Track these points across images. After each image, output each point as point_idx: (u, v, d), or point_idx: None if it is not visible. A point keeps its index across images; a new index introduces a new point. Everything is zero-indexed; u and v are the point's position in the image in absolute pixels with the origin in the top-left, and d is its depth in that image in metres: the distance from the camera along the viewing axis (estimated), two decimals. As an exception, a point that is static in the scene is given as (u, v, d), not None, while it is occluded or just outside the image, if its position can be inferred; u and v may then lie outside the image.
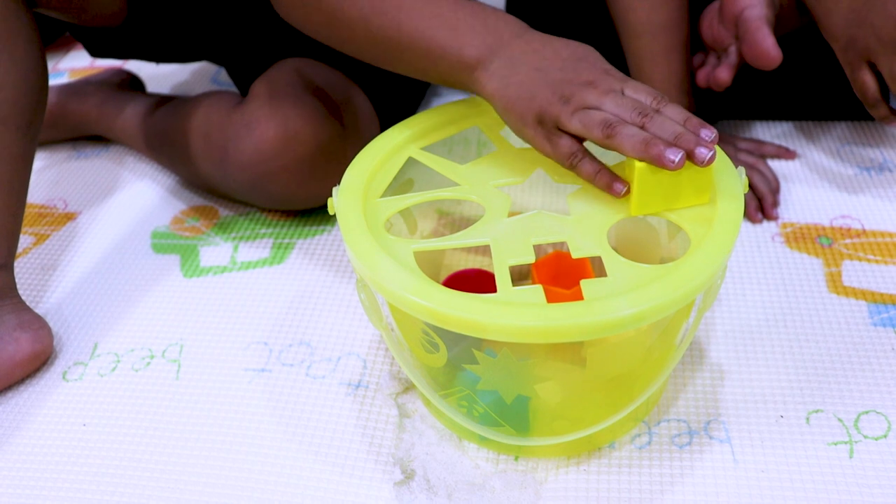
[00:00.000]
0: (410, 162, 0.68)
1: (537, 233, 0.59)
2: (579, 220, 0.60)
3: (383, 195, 0.64)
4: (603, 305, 0.52)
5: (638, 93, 0.59)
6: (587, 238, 0.59)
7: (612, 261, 0.57)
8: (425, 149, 0.68)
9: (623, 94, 0.59)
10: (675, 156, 0.55)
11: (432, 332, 0.58)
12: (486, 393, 0.61)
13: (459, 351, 0.60)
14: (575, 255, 0.57)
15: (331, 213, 0.62)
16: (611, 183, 0.60)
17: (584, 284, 0.54)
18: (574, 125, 0.58)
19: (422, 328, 0.59)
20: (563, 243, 0.59)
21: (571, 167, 0.60)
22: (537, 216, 0.61)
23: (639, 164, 0.57)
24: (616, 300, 0.52)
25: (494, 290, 0.55)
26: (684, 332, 0.60)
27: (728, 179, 0.61)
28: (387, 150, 0.67)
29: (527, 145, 0.67)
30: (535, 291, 0.54)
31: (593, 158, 0.60)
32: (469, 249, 0.82)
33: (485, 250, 0.82)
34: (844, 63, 0.81)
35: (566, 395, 0.61)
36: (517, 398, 0.60)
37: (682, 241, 0.69)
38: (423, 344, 0.60)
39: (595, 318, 0.51)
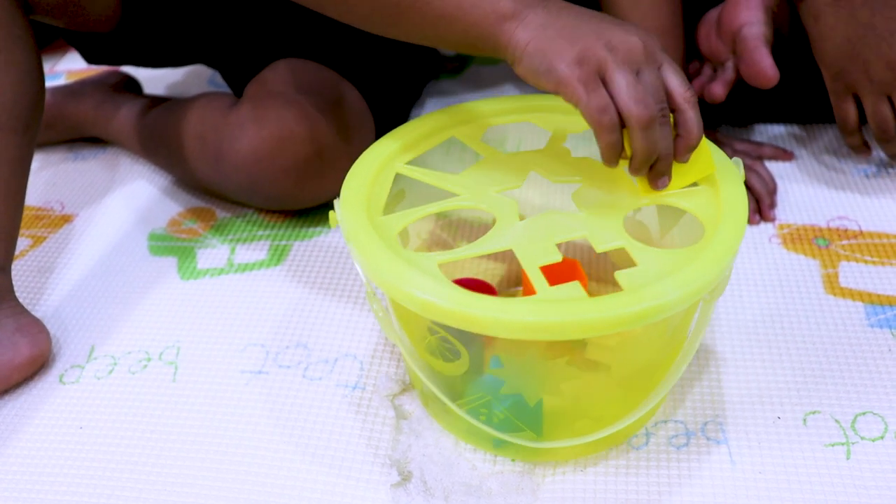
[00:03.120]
0: (400, 175, 0.67)
1: (556, 232, 0.59)
2: (592, 215, 0.61)
3: (384, 211, 0.63)
4: (649, 292, 0.53)
5: (672, 74, 0.58)
6: (605, 231, 0.59)
7: (637, 249, 0.57)
8: (411, 163, 0.67)
9: (661, 67, 0.58)
10: (662, 185, 0.61)
11: (454, 339, 0.58)
12: (507, 397, 0.60)
13: (476, 356, 0.60)
14: (599, 249, 0.58)
15: (332, 226, 0.61)
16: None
17: (620, 276, 0.55)
18: (618, 80, 0.56)
19: (441, 336, 0.58)
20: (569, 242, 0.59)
21: (598, 124, 0.56)
22: (549, 216, 0.61)
23: None
24: (659, 285, 0.53)
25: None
26: (693, 324, 0.60)
27: (723, 166, 0.63)
28: (377, 166, 0.65)
29: (514, 150, 0.68)
30: (573, 288, 0.54)
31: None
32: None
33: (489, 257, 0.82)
34: (831, 90, 0.84)
35: (590, 392, 0.61)
36: (540, 401, 0.60)
37: (674, 236, 0.69)
38: (443, 353, 0.60)
39: (646, 304, 0.52)
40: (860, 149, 0.86)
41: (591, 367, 0.60)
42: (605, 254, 0.73)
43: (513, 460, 0.63)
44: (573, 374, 0.59)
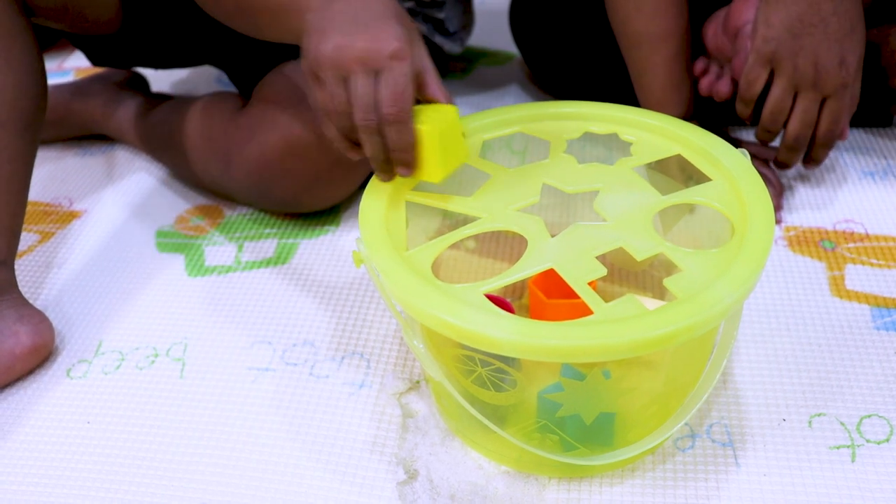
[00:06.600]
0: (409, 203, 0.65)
1: (592, 246, 0.58)
2: (620, 223, 0.60)
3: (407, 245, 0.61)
4: (709, 297, 0.53)
5: (385, 86, 0.59)
6: (638, 238, 0.59)
7: (677, 254, 0.57)
8: (415, 189, 0.66)
9: (382, 75, 0.59)
10: (403, 174, 0.63)
11: (511, 369, 0.57)
12: (565, 419, 0.59)
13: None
14: (639, 257, 0.57)
15: (357, 266, 0.60)
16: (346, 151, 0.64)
17: (669, 283, 0.55)
18: (327, 85, 0.60)
19: (496, 368, 0.57)
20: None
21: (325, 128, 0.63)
22: (578, 230, 0.60)
23: (427, 130, 0.60)
24: (715, 290, 0.53)
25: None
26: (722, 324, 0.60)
27: (734, 161, 0.63)
28: (386, 197, 0.64)
29: (518, 164, 0.67)
30: (629, 301, 0.53)
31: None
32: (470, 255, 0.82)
33: (485, 260, 0.82)
34: (754, 49, 0.80)
35: (647, 400, 0.61)
36: (598, 416, 0.59)
37: (679, 232, 0.69)
38: (494, 384, 0.59)
39: (710, 311, 0.52)
40: (744, 117, 0.85)
41: (646, 365, 0.60)
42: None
43: (568, 479, 0.63)
44: (631, 386, 0.59)
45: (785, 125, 0.82)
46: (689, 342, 0.53)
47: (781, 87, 0.79)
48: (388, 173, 0.63)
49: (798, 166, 0.94)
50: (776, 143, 0.99)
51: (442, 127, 0.61)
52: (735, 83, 0.85)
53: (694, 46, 0.88)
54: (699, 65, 0.90)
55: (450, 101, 0.63)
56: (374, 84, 0.59)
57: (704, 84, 0.88)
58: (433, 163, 0.62)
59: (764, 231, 0.58)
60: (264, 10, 0.69)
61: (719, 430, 0.65)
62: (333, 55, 0.59)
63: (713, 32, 0.88)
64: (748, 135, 1.01)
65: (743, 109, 0.84)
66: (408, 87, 0.59)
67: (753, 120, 0.85)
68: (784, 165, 0.85)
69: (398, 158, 0.61)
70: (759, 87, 0.81)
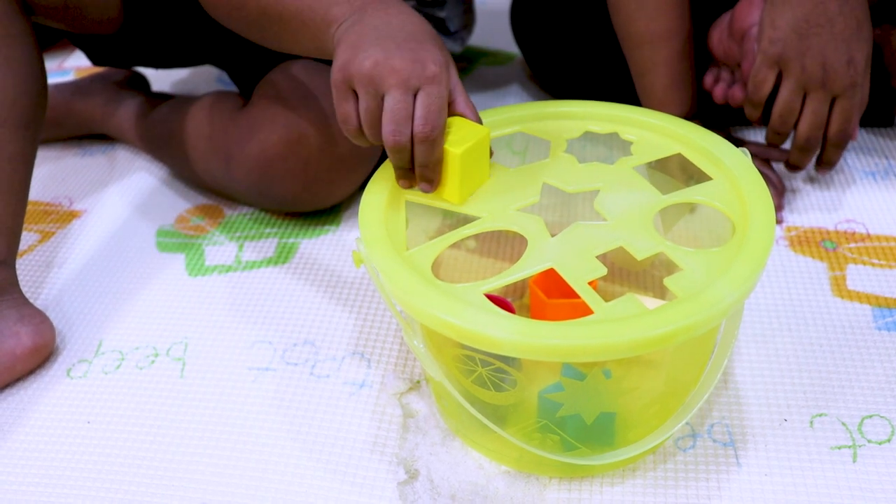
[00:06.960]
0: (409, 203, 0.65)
1: (592, 245, 0.58)
2: (620, 223, 0.60)
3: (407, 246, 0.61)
4: (709, 297, 0.53)
5: (421, 105, 0.59)
6: (639, 237, 0.59)
7: (678, 253, 0.57)
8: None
9: (419, 91, 0.59)
10: (424, 190, 0.63)
11: (511, 369, 0.57)
12: (566, 419, 0.59)
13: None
14: (639, 257, 0.57)
15: (357, 266, 0.60)
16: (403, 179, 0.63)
17: (670, 282, 0.55)
18: (361, 98, 0.60)
19: (496, 367, 0.57)
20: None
21: (344, 131, 0.63)
22: (578, 229, 0.60)
23: (452, 152, 0.60)
24: (716, 289, 0.53)
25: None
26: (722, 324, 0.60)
27: (735, 160, 0.63)
28: (386, 198, 0.64)
29: (518, 164, 0.67)
30: (629, 301, 0.53)
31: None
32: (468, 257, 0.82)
33: (486, 260, 0.82)
34: (761, 50, 0.80)
35: (648, 400, 0.61)
36: (599, 416, 0.59)
37: (680, 231, 0.69)
38: (494, 384, 0.58)
39: (710, 310, 0.52)
40: (755, 122, 0.85)
41: (646, 365, 0.60)
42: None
43: (569, 479, 0.62)
44: (631, 386, 0.59)
45: (795, 127, 0.82)
46: (690, 342, 0.53)
47: (790, 88, 0.79)
48: (410, 180, 0.63)
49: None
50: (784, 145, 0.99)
51: (467, 149, 0.61)
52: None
53: (698, 52, 0.88)
54: (709, 77, 0.90)
55: (478, 119, 0.64)
56: (409, 101, 0.59)
57: (718, 92, 0.88)
58: (453, 185, 0.62)
59: (765, 230, 0.58)
60: (288, 21, 0.68)
61: (720, 430, 0.65)
62: (371, 71, 0.59)
63: (719, 37, 0.88)
64: (750, 134, 1.00)
65: (752, 112, 0.83)
66: (442, 108, 0.60)
67: (763, 122, 0.84)
68: (796, 168, 0.85)
69: (422, 175, 0.62)
70: (767, 88, 0.80)
